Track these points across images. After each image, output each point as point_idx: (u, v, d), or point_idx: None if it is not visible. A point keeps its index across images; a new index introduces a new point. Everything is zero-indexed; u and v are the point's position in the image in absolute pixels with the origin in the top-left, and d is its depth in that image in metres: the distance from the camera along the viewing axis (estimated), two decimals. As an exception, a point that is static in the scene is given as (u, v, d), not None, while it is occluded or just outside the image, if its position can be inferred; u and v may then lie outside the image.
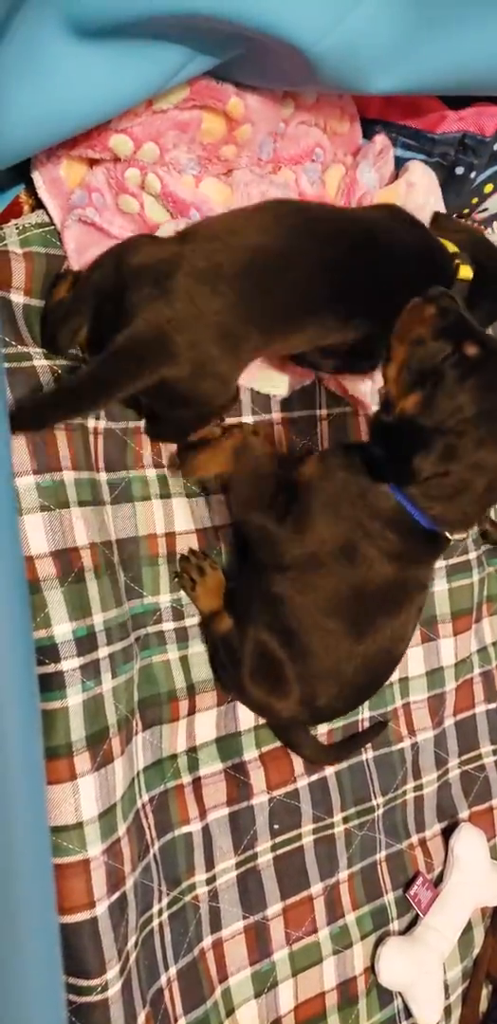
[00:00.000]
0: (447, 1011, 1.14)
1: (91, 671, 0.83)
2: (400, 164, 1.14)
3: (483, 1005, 1.19)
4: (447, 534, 0.88)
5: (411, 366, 0.83)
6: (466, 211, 1.30)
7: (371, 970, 1.09)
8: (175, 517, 0.99)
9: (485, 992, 1.20)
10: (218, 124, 1.01)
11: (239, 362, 0.89)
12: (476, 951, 1.19)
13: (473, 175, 1.16)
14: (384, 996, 1.10)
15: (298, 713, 0.94)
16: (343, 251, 0.94)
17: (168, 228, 0.96)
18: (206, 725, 1.00)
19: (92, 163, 0.98)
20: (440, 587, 1.17)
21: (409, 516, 0.85)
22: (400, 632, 0.93)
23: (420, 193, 1.16)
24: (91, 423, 0.92)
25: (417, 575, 0.91)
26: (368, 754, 1.12)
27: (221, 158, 1.02)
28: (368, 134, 1.11)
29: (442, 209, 1.20)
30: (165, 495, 0.98)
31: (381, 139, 1.11)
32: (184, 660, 0.98)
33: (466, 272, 1.06)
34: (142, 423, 0.97)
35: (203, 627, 1.00)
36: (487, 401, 0.80)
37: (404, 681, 1.15)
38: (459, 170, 1.16)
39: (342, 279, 0.94)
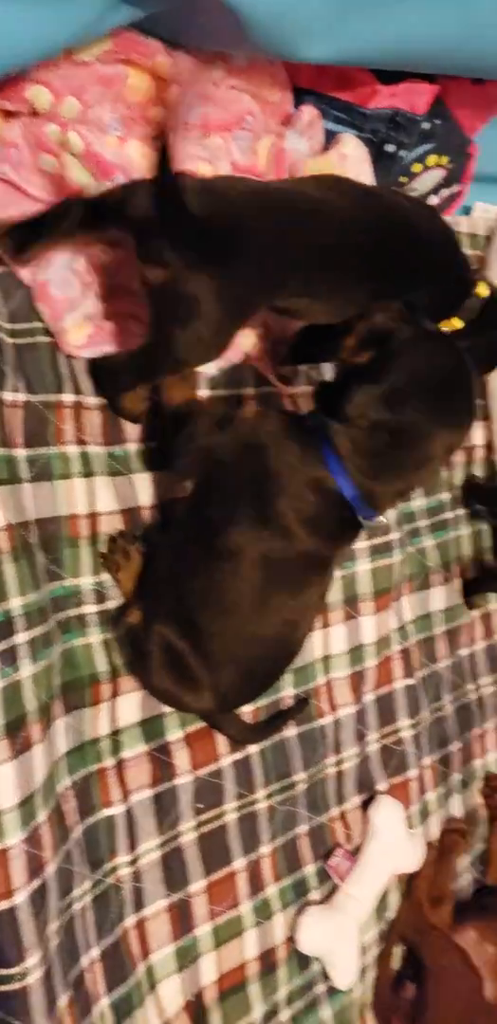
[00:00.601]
0: (363, 972, 1.22)
1: (9, 657, 0.83)
2: (331, 138, 1.15)
3: (396, 965, 1.28)
4: (362, 519, 0.93)
5: (366, 332, 0.92)
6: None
7: (291, 939, 1.15)
8: (98, 497, 0.99)
9: (398, 952, 1.29)
10: (144, 82, 1.00)
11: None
12: (391, 915, 1.27)
13: (403, 153, 1.19)
14: (303, 962, 1.17)
15: (210, 705, 0.98)
16: (384, 235, 0.99)
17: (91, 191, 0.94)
18: (129, 708, 1.02)
19: (7, 116, 0.95)
20: (363, 567, 1.22)
21: (334, 484, 0.89)
22: (299, 614, 0.96)
23: (352, 166, 1.18)
24: (8, 395, 0.90)
25: (325, 555, 0.95)
26: (291, 731, 1.17)
27: (147, 119, 1.01)
28: (300, 105, 1.12)
29: (371, 184, 1.22)
30: (88, 474, 0.98)
31: (310, 110, 1.12)
32: (106, 643, 1.00)
33: (483, 290, 1.12)
34: (64, 396, 0.96)
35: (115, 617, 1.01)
36: (428, 376, 0.90)
37: (327, 659, 1.20)
38: (389, 148, 1.19)
39: (378, 262, 0.99)
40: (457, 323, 1.12)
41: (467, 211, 1.55)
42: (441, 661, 1.37)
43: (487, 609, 1.46)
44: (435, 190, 1.40)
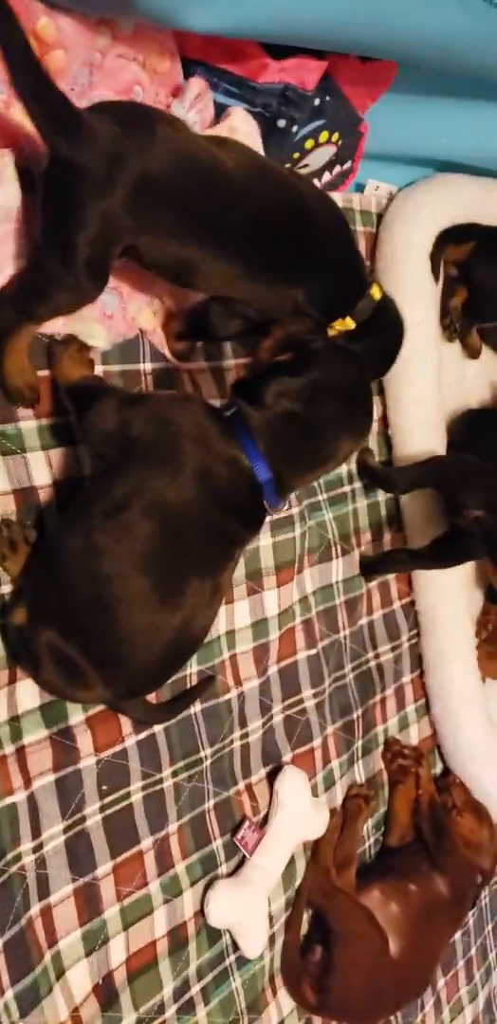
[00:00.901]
0: (271, 939, 1.27)
1: None
2: (221, 111, 1.17)
3: (304, 929, 1.34)
4: (268, 505, 0.98)
5: (284, 337, 1.04)
6: (287, 167, 1.37)
7: (200, 913, 1.18)
8: (-12, 477, 0.98)
9: (306, 917, 1.34)
10: (27, 46, 0.98)
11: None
12: (298, 882, 1.32)
13: (295, 129, 1.22)
14: (213, 934, 1.20)
15: (106, 697, 0.98)
16: (278, 211, 1.02)
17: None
18: (28, 693, 1.01)
19: None
20: (265, 542, 1.26)
21: (248, 466, 0.95)
22: (205, 597, 0.96)
23: (243, 140, 1.19)
24: None
25: (232, 536, 0.98)
26: (196, 707, 1.19)
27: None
28: (189, 77, 1.13)
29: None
30: (-24, 452, 0.96)
31: (199, 82, 1.13)
32: (1, 629, 0.98)
33: (376, 292, 1.17)
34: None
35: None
36: (339, 384, 1.02)
37: (231, 634, 1.23)
38: (281, 123, 1.21)
39: (267, 240, 1.01)
40: (349, 323, 1.17)
41: (359, 188, 1.60)
42: (342, 631, 1.43)
43: (385, 578, 1.53)
44: (328, 167, 1.45)
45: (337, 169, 1.47)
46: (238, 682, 1.24)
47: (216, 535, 0.95)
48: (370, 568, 1.49)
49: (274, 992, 1.28)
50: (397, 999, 1.42)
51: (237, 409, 0.98)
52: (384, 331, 1.24)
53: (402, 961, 1.35)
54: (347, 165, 1.49)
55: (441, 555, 1.43)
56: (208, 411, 0.97)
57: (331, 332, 1.16)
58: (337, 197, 1.49)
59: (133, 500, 0.89)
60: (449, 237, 1.59)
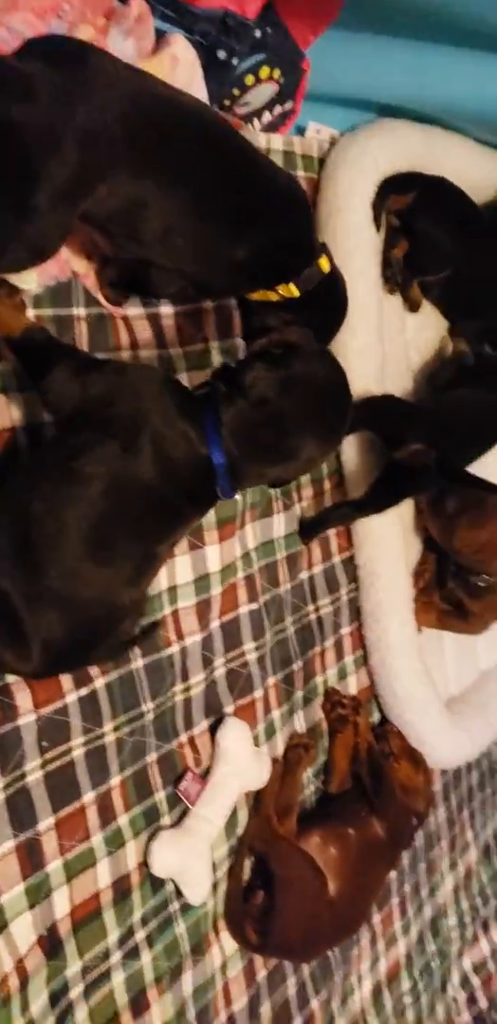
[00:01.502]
0: (215, 886, 1.34)
1: None
2: (159, 37, 1.14)
3: (246, 875, 1.41)
4: (219, 490, 1.02)
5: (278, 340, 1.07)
6: (227, 103, 1.36)
7: (144, 863, 1.24)
8: None
9: (248, 864, 1.42)
10: None
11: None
12: (240, 830, 1.39)
13: (235, 62, 1.22)
14: (157, 883, 1.26)
15: (35, 663, 0.97)
16: (228, 158, 1.04)
17: None
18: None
19: None
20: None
21: (205, 446, 0.99)
22: (141, 566, 0.99)
23: (185, 71, 1.18)
24: None
25: (177, 510, 1.01)
26: (137, 663, 1.23)
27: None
28: None
29: (203, 93, 1.23)
30: None
31: (139, 3, 1.09)
32: None
33: (325, 264, 1.20)
34: None
35: None
36: (319, 386, 1.06)
37: (172, 589, 1.27)
38: (221, 54, 1.20)
39: (216, 183, 1.03)
40: (294, 290, 1.19)
41: (300, 131, 1.61)
42: (283, 585, 1.49)
43: (326, 533, 1.59)
44: (268, 106, 1.45)
45: (278, 109, 1.48)
46: (180, 636, 1.28)
47: (162, 509, 0.99)
48: (311, 528, 1.54)
49: (217, 935, 1.35)
50: (335, 936, 1.53)
51: (210, 391, 1.02)
52: (328, 307, 1.27)
53: (340, 900, 1.44)
54: (288, 105, 1.50)
55: (380, 497, 1.50)
56: (172, 386, 1.00)
57: (273, 298, 1.19)
58: (278, 139, 1.50)
59: (86, 459, 0.93)
60: (391, 186, 1.62)
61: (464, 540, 1.62)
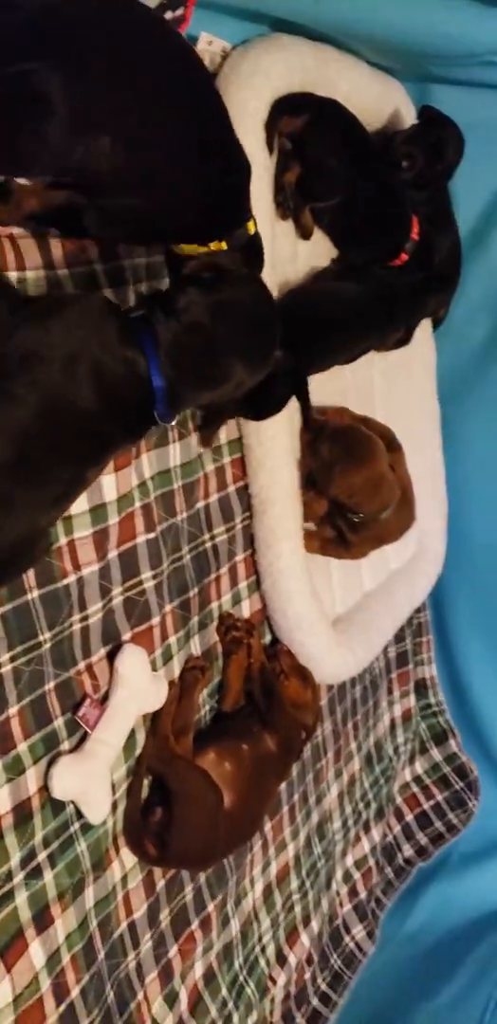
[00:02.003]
0: (114, 806, 1.41)
1: None
2: None
3: (145, 794, 1.50)
4: (157, 415, 1.08)
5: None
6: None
7: (45, 788, 1.29)
8: None
9: (146, 783, 1.50)
10: None
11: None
12: (138, 751, 1.47)
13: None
14: (57, 806, 1.32)
15: None
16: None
17: None
18: None
19: None
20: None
21: (145, 367, 1.04)
22: (67, 490, 1.04)
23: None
24: None
25: (109, 436, 1.06)
26: (33, 594, 1.26)
27: None
28: None
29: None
30: None
31: None
32: None
33: (251, 227, 1.25)
34: None
35: None
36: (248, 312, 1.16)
37: (68, 519, 1.29)
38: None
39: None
40: (224, 247, 1.23)
41: (192, 41, 1.60)
42: (179, 514, 1.54)
43: (221, 463, 1.65)
44: (158, 10, 1.43)
45: (168, 15, 1.46)
46: (77, 567, 1.32)
47: (95, 434, 1.02)
48: (208, 422, 1.55)
49: (117, 851, 1.44)
50: (230, 845, 1.65)
51: (144, 312, 1.07)
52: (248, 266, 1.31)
53: (235, 812, 1.56)
54: (179, 12, 1.48)
55: (256, 401, 1.57)
56: (111, 309, 1.05)
57: (201, 251, 1.21)
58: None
59: (18, 381, 0.95)
60: (284, 107, 1.64)
61: (340, 486, 1.75)
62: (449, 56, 1.87)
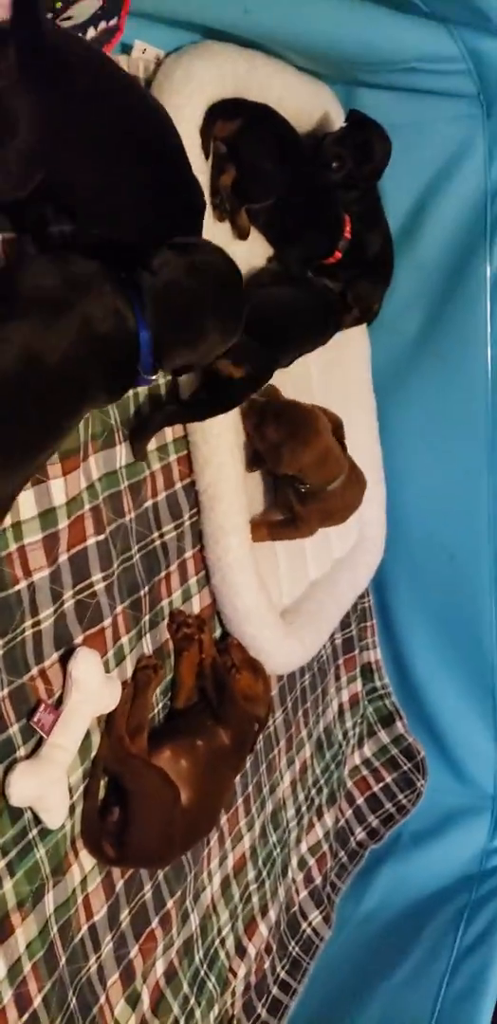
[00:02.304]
0: (71, 809, 1.42)
1: None
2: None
3: (101, 795, 1.51)
4: (141, 369, 1.21)
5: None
6: (50, 16, 1.34)
7: (2, 795, 1.29)
8: None
9: (102, 784, 1.51)
10: None
11: None
12: (94, 753, 1.48)
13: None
14: (14, 813, 1.31)
15: None
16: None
17: None
18: None
19: None
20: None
21: (133, 321, 1.16)
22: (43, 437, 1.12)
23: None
24: None
25: (87, 388, 1.15)
26: (-16, 602, 1.26)
27: None
28: None
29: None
30: None
31: None
32: None
33: None
34: None
35: None
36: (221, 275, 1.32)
37: (17, 525, 1.29)
38: (43, -36, 1.18)
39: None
40: None
41: (126, 50, 1.61)
42: (128, 514, 1.55)
43: (168, 461, 1.67)
44: (93, 21, 1.44)
45: (102, 25, 1.47)
46: (28, 573, 1.31)
47: (73, 383, 1.11)
48: (141, 431, 1.57)
49: (76, 854, 1.44)
50: (188, 841, 1.67)
51: (135, 272, 1.19)
52: None
53: (192, 808, 1.58)
54: (113, 21, 1.49)
55: (202, 404, 1.63)
56: (107, 269, 1.15)
57: None
58: (102, 57, 1.50)
59: (10, 317, 1.04)
60: (218, 112, 1.67)
61: (289, 465, 1.79)
62: (374, 63, 1.94)
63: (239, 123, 1.70)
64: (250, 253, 1.90)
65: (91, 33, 1.47)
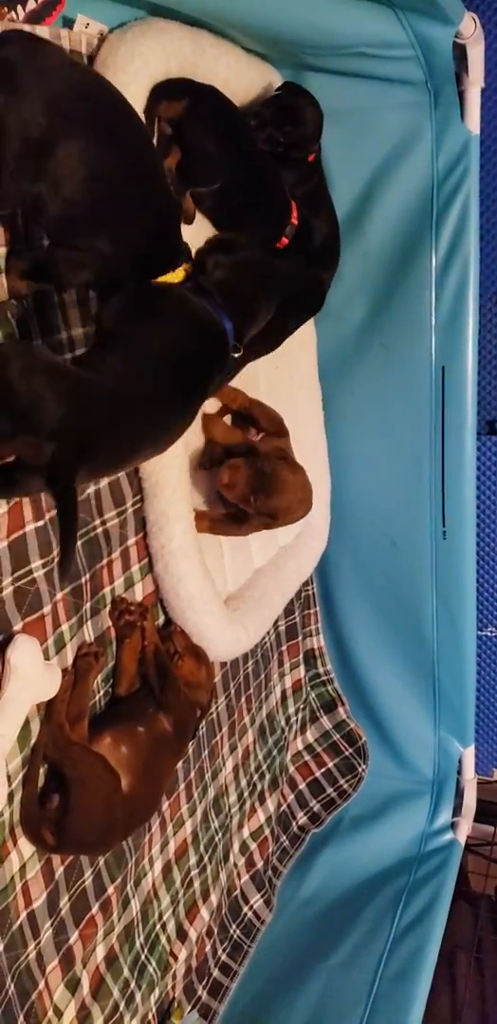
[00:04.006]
0: (10, 796, 1.43)
1: None
2: None
3: (41, 783, 1.52)
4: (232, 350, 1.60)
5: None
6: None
7: None
8: None
9: (42, 772, 1.53)
10: None
11: None
12: (33, 741, 1.49)
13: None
14: (-48, 803, 1.33)
15: None
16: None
17: None
18: None
19: None
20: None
21: (215, 315, 1.55)
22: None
23: None
24: None
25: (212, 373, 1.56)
26: None
27: None
28: None
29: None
30: None
31: None
32: None
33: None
34: None
35: None
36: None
37: (-46, 511, 1.30)
38: None
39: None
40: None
41: (68, 24, 1.61)
42: (69, 500, 1.56)
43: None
44: (35, -3, 1.43)
45: (45, -4, 1.47)
46: (-35, 560, 1.32)
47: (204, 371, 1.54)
48: None
49: (15, 842, 1.46)
50: (128, 827, 1.69)
51: (194, 280, 1.55)
52: None
53: (133, 795, 1.61)
54: (57, -6, 1.49)
55: None
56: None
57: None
58: (44, 31, 1.49)
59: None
60: (162, 92, 1.67)
61: (262, 510, 1.87)
62: (321, 46, 1.97)
63: (185, 104, 1.71)
64: (196, 237, 1.91)
65: (31, 5, 1.46)
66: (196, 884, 2.11)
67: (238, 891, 2.35)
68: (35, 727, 1.49)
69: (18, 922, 1.48)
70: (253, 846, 2.42)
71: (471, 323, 2.27)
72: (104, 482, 1.68)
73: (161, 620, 1.90)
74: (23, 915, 1.49)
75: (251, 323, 1.63)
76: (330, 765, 2.79)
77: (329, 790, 2.76)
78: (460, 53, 2.04)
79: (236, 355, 1.62)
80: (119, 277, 1.43)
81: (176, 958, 2.02)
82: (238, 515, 1.94)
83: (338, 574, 2.73)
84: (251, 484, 1.83)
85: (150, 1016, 1.90)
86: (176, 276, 1.52)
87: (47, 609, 1.50)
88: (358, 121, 2.19)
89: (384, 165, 2.26)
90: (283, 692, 2.66)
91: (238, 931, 2.30)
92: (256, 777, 2.45)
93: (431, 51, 1.98)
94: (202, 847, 2.13)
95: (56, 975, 1.58)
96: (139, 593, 1.81)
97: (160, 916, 1.97)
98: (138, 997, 1.84)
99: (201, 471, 1.96)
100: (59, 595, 1.54)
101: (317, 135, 2.02)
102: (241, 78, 1.95)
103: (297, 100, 1.94)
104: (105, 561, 1.69)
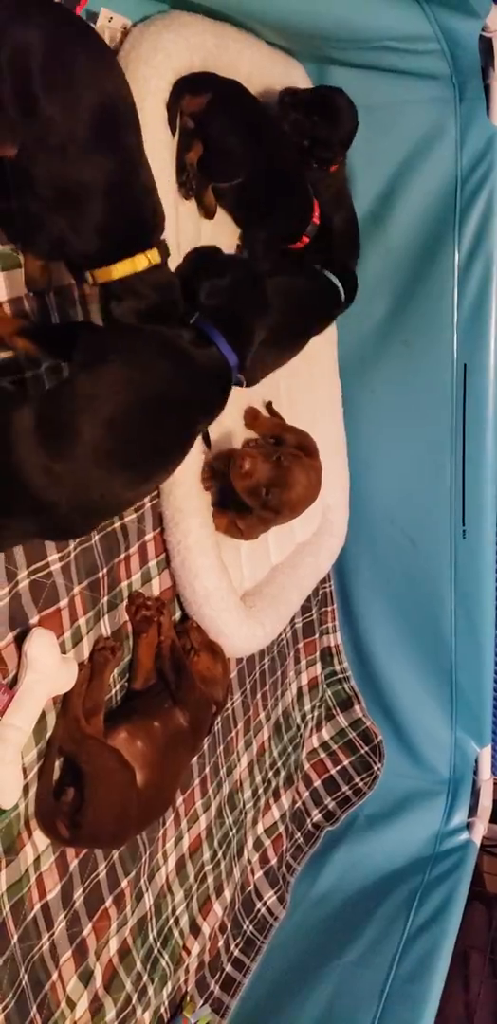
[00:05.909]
0: (25, 789, 1.44)
1: None
2: None
3: (56, 775, 1.53)
4: (236, 382, 1.47)
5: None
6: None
7: (-45, 776, 1.30)
8: None
9: (57, 765, 1.53)
10: None
11: None
12: (49, 734, 1.50)
13: None
14: (-32, 794, 1.33)
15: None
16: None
17: None
18: None
19: None
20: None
21: (218, 351, 1.41)
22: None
23: None
24: None
25: (198, 399, 1.39)
26: None
27: None
28: None
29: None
30: None
31: None
32: None
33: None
34: None
35: None
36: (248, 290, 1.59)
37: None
38: None
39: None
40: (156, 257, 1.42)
41: (92, 18, 1.60)
42: (86, 495, 1.56)
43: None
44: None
45: (67, -9, 1.46)
46: (-19, 553, 1.33)
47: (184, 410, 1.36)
48: None
49: (30, 834, 1.46)
50: (143, 822, 1.70)
51: (192, 315, 1.43)
52: None
53: (148, 789, 1.61)
54: (80, -13, 1.48)
55: None
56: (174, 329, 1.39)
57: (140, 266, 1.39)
58: (67, 25, 1.49)
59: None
60: (185, 86, 1.66)
61: (270, 504, 1.83)
62: (346, 39, 1.94)
63: (207, 98, 1.70)
64: (217, 232, 1.90)
65: None
66: (210, 879, 2.11)
67: (252, 887, 2.35)
68: (51, 720, 1.50)
69: (32, 913, 1.48)
70: (267, 842, 2.42)
71: (493, 321, 2.24)
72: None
73: (178, 615, 1.90)
74: (37, 907, 1.50)
75: (250, 348, 1.52)
76: (345, 763, 2.78)
77: (344, 788, 2.75)
78: (486, 47, 2.00)
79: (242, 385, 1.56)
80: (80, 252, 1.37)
81: (189, 952, 2.03)
82: (238, 507, 1.92)
83: (356, 572, 2.71)
84: (268, 477, 1.81)
85: (162, 1009, 1.91)
86: (138, 263, 1.39)
87: (64, 603, 1.50)
88: (381, 116, 2.16)
89: (407, 161, 2.24)
90: (299, 689, 2.66)
91: (251, 927, 2.30)
92: (271, 774, 2.45)
93: (457, 45, 1.95)
94: (216, 843, 2.13)
95: (69, 967, 1.59)
96: (156, 588, 1.81)
97: (173, 910, 1.97)
98: (150, 990, 1.84)
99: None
100: (76, 589, 1.54)
101: (346, 142, 1.99)
102: (264, 72, 1.94)
103: (334, 96, 1.93)
104: (123, 556, 1.69)
